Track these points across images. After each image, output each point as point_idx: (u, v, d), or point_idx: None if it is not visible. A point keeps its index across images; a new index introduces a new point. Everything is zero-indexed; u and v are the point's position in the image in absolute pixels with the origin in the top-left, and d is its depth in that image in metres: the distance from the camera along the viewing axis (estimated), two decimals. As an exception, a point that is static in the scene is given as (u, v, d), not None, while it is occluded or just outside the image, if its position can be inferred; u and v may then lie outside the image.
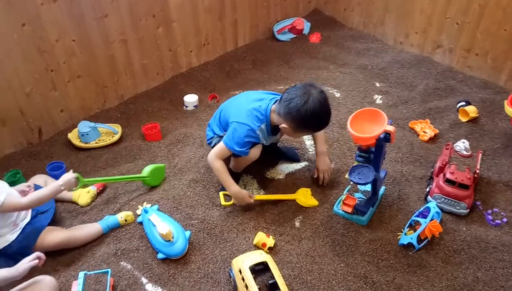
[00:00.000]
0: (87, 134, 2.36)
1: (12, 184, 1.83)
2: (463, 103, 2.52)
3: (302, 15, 3.76)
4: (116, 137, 2.41)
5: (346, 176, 2.07)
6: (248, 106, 1.88)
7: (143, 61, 2.76)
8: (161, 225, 1.71)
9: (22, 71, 2.20)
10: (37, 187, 1.90)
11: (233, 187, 1.87)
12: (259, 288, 1.37)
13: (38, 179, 2.00)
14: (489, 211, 1.89)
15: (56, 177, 2.04)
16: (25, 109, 2.29)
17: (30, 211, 1.78)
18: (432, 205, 1.82)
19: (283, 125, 1.79)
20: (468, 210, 1.85)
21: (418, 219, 1.77)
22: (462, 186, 1.83)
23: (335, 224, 1.84)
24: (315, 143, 2.11)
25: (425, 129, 2.39)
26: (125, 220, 1.86)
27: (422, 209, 1.84)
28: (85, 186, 1.91)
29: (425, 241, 1.72)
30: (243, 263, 1.46)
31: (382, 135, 1.60)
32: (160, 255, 1.69)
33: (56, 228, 1.79)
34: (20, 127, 2.32)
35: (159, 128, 2.44)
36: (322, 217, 1.88)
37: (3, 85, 2.16)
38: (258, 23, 3.46)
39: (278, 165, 2.21)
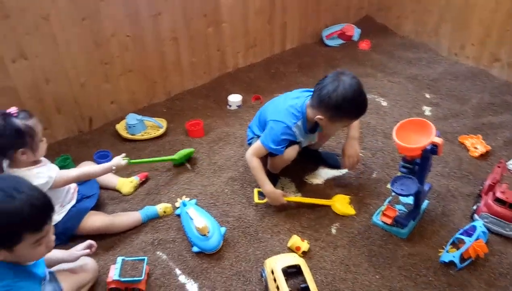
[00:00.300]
0: (134, 126, 2.44)
1: (62, 168, 1.91)
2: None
3: (353, 21, 3.71)
4: (161, 131, 2.47)
5: (388, 186, 2.01)
6: (285, 104, 1.87)
7: (192, 59, 2.82)
8: (198, 219, 1.73)
9: (79, 63, 2.32)
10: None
11: (267, 185, 1.87)
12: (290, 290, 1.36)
13: (86, 165, 2.09)
14: (541, 236, 1.77)
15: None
16: (79, 98, 2.41)
17: (76, 195, 1.86)
18: (479, 224, 1.73)
19: (318, 116, 1.76)
20: (518, 233, 1.74)
21: (462, 237, 1.69)
22: (513, 207, 1.73)
23: (373, 234, 1.79)
24: (348, 129, 1.99)
25: (476, 145, 2.28)
26: (164, 212, 1.91)
27: (467, 227, 1.76)
28: (128, 177, 1.99)
29: (468, 261, 1.63)
30: (276, 264, 1.45)
31: (429, 147, 1.54)
32: (194, 249, 1.71)
33: (99, 213, 1.86)
34: (73, 116, 2.44)
35: (202, 125, 2.48)
36: (360, 226, 1.83)
37: (61, 74, 2.28)
38: (307, 27, 3.45)
39: (318, 169, 2.19)
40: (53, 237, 1.20)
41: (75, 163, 2.17)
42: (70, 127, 2.47)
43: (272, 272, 1.44)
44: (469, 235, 1.68)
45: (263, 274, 1.53)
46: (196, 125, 2.48)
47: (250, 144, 2.09)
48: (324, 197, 1.98)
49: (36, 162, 1.69)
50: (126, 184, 2.07)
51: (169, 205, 1.93)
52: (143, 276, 1.55)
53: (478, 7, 2.92)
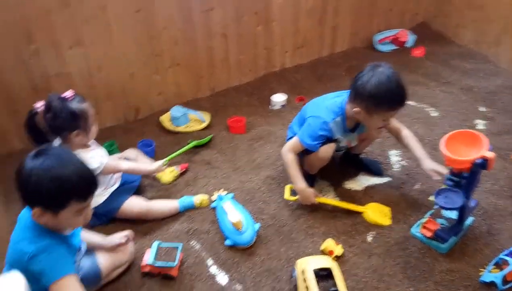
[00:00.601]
0: (178, 119, 2.49)
1: (107, 153, 1.99)
2: None
3: (407, 27, 3.59)
4: (204, 125, 2.51)
5: (431, 198, 1.93)
6: (325, 102, 1.86)
7: (239, 57, 2.85)
8: (233, 214, 1.74)
9: (131, 53, 2.40)
10: (128, 160, 2.07)
11: (299, 182, 1.84)
12: (319, 293, 1.34)
13: (130, 152, 2.16)
14: None
15: (146, 153, 2.20)
16: (128, 88, 2.49)
17: (119, 180, 1.93)
18: (527, 246, 1.63)
19: (356, 109, 1.72)
20: None
21: (507, 258, 1.59)
22: None
23: (411, 246, 1.72)
24: (411, 149, 1.87)
25: (531, 164, 2.14)
26: (201, 203, 1.93)
27: (513, 248, 1.65)
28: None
29: (511, 284, 1.53)
30: (307, 264, 1.43)
31: (478, 161, 1.46)
32: (227, 242, 1.72)
33: (139, 198, 1.92)
34: (121, 104, 2.53)
35: (245, 122, 2.49)
36: (398, 236, 1.77)
37: (114, 63, 2.37)
38: (358, 31, 3.38)
39: (358, 176, 2.14)
40: (91, 212, 1.27)
41: (120, 149, 2.25)
42: (117, 115, 2.56)
43: (303, 273, 1.42)
44: (516, 257, 1.58)
45: (294, 274, 1.51)
46: (238, 122, 2.50)
47: (289, 144, 2.08)
48: (361, 203, 1.93)
49: (87, 145, 1.78)
50: (166, 173, 2.11)
51: (206, 197, 1.95)
52: (177, 263, 1.58)
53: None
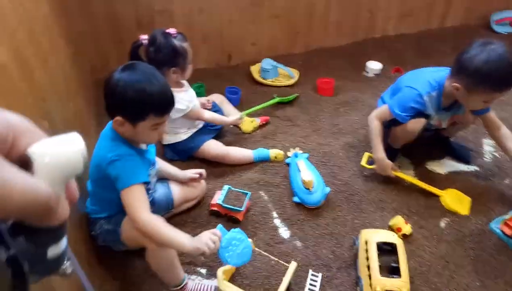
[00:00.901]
0: (268, 71, 2.51)
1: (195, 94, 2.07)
2: None
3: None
4: (292, 81, 2.50)
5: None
6: (424, 74, 1.75)
7: (340, 17, 2.74)
8: (306, 172, 1.75)
9: (232, 0, 2.42)
10: (214, 103, 2.14)
11: (379, 152, 1.78)
12: (379, 266, 1.32)
13: (216, 97, 2.23)
14: None
15: (231, 100, 2.26)
16: (224, 34, 2.54)
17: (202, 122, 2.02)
18: None
19: (455, 84, 1.60)
20: None
21: None
22: None
23: (486, 240, 1.61)
24: (508, 152, 1.71)
25: None
26: (275, 157, 1.96)
27: None
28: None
29: None
30: (372, 236, 1.41)
31: None
32: (295, 199, 1.74)
33: (218, 142, 1.99)
34: (215, 48, 2.59)
35: (333, 85, 2.44)
36: (474, 228, 1.66)
37: (214, 8, 2.42)
38: (475, 7, 3.07)
39: (443, 159, 2.01)
40: (165, 130, 1.35)
41: (207, 92, 2.33)
42: (210, 59, 2.63)
43: (366, 243, 1.40)
44: None
45: (356, 242, 1.50)
46: (327, 84, 2.45)
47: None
48: (440, 188, 1.82)
49: (180, 84, 1.86)
50: (247, 122, 2.16)
51: (281, 152, 1.98)
52: (243, 208, 1.64)
53: None
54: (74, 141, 0.36)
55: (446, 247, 1.58)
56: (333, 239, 1.61)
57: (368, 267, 1.33)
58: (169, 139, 1.94)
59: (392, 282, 1.27)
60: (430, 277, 1.47)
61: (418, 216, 1.71)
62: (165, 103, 1.27)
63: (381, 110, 1.81)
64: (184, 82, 1.90)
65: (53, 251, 0.37)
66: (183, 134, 1.94)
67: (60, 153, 0.35)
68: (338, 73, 2.62)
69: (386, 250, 1.40)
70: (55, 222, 0.34)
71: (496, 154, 2.03)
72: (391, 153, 1.86)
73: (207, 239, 1.19)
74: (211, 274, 1.46)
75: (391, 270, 1.34)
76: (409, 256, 1.48)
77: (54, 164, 0.34)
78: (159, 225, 1.20)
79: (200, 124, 2.00)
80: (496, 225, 1.65)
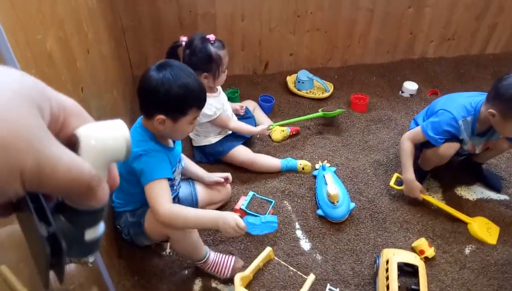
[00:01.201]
0: (303, 83, 2.52)
1: (229, 99, 2.11)
2: None
3: None
4: (326, 94, 2.50)
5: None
6: (460, 98, 1.73)
7: (380, 35, 2.73)
8: (332, 186, 1.75)
9: (275, 9, 2.45)
10: (247, 109, 2.17)
11: (409, 173, 1.76)
12: (398, 286, 1.30)
13: (249, 103, 2.26)
14: None
15: (264, 108, 2.29)
16: (263, 42, 2.58)
17: (235, 126, 2.05)
18: None
19: (490, 110, 1.57)
20: None
21: None
22: None
23: (511, 271, 1.57)
24: None
25: None
26: (303, 168, 1.97)
27: None
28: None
29: None
30: (394, 256, 1.39)
31: None
32: (319, 212, 1.74)
33: (247, 148, 2.02)
34: (253, 56, 2.63)
35: (367, 101, 2.43)
36: (500, 257, 1.61)
37: (256, 15, 2.45)
38: (519, 34, 3.00)
39: (473, 185, 1.97)
40: (195, 124, 1.39)
41: (241, 98, 2.37)
42: (247, 66, 2.67)
43: (387, 263, 1.39)
44: None
45: (377, 261, 1.49)
46: (361, 100, 2.44)
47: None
48: (469, 215, 1.78)
49: (212, 89, 1.88)
50: (277, 131, 2.18)
51: (309, 164, 1.98)
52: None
53: None
54: (119, 128, 0.38)
55: (469, 275, 1.55)
56: (354, 255, 1.59)
57: (388, 287, 1.32)
58: (199, 141, 1.98)
59: (411, 305, 1.26)
60: (450, 304, 1.44)
61: (443, 240, 1.68)
62: (204, 96, 1.32)
63: (414, 131, 1.80)
64: (218, 87, 1.92)
65: (90, 234, 0.39)
66: (213, 138, 1.97)
67: (106, 136, 0.36)
68: (373, 90, 2.61)
69: (407, 271, 1.38)
70: (95, 204, 0.34)
71: (530, 185, 1.97)
72: (420, 174, 1.83)
73: (231, 230, 1.25)
74: (228, 279, 1.48)
75: (410, 292, 1.33)
76: (430, 279, 1.46)
77: (99, 147, 0.36)
78: (181, 211, 1.25)
79: (230, 131, 2.02)
80: (524, 259, 1.60)
